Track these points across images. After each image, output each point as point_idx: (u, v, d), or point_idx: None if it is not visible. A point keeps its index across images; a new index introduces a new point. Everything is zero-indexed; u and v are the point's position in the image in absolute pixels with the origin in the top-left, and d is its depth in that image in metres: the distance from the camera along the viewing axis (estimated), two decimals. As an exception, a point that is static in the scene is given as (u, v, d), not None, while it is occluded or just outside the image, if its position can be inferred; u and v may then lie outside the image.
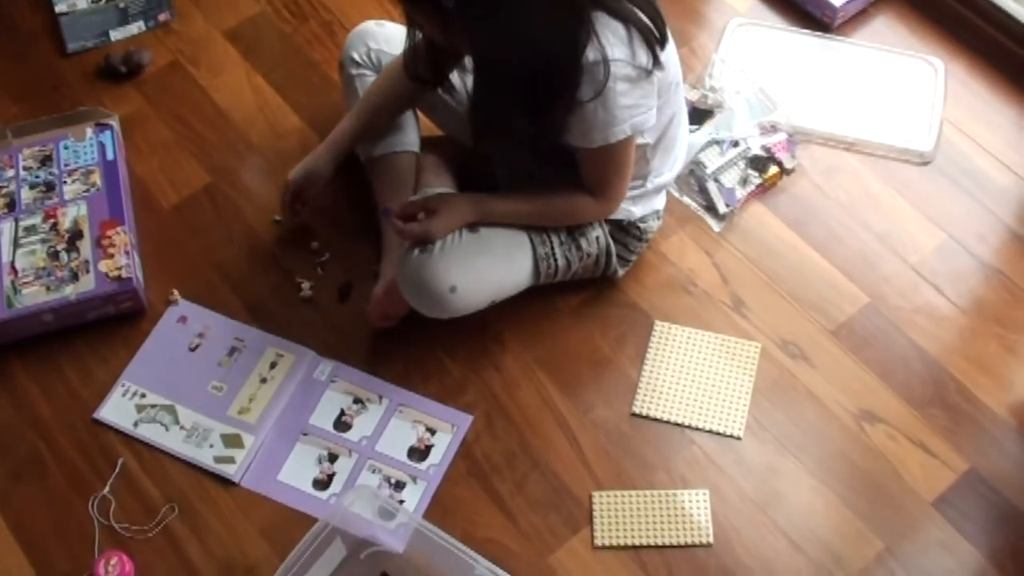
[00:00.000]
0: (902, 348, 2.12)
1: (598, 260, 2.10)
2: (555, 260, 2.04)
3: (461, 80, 2.06)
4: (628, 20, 1.77)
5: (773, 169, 2.31)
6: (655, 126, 1.93)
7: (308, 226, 2.28)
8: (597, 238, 2.07)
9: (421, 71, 2.00)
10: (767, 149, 2.32)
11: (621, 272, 2.16)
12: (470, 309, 2.01)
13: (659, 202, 2.14)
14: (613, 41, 1.76)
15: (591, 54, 1.75)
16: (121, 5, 2.61)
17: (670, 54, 1.89)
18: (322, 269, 2.24)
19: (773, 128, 2.35)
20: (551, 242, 2.04)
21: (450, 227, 1.96)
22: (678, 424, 2.05)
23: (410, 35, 1.95)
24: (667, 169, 2.09)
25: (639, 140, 1.93)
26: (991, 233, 2.26)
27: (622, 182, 1.98)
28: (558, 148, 1.90)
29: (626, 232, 2.12)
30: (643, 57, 1.79)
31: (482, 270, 1.99)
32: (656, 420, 2.05)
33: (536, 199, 2.02)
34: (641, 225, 2.12)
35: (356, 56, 2.21)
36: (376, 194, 2.20)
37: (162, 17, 2.62)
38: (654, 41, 1.80)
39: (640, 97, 1.82)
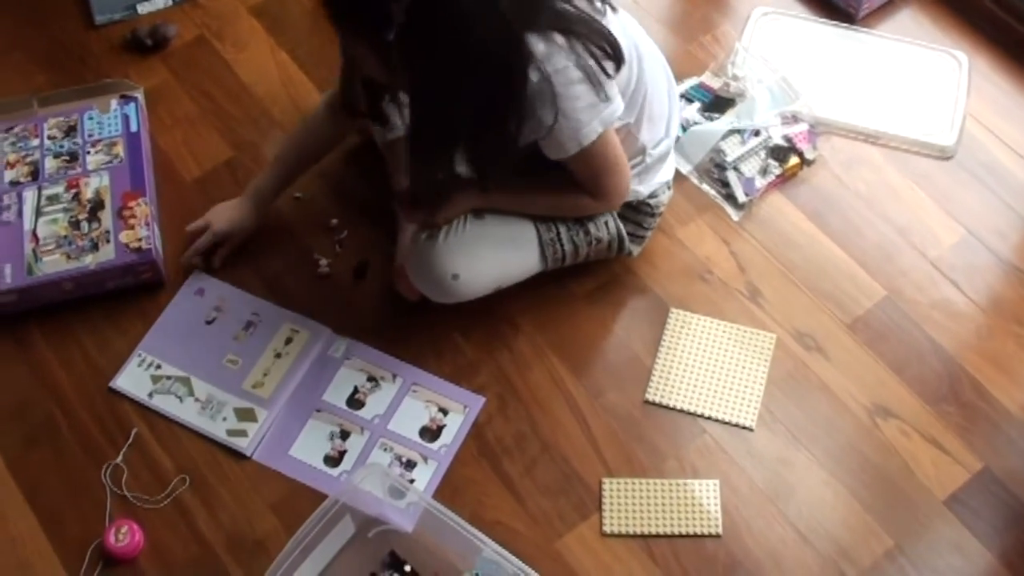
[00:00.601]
0: (918, 343, 2.11)
1: (610, 244, 2.09)
2: (561, 245, 2.04)
3: (398, 112, 2.01)
4: (568, 32, 1.75)
5: (793, 159, 2.30)
6: (630, 105, 1.91)
7: (327, 204, 2.29)
8: (606, 223, 2.06)
9: (357, 103, 1.99)
10: (788, 139, 2.31)
11: (636, 251, 2.15)
12: (475, 295, 2.02)
13: (666, 173, 2.12)
14: (553, 57, 1.73)
15: (534, 75, 1.73)
16: (149, -22, 2.62)
17: (627, 34, 1.87)
18: (340, 246, 2.25)
19: (794, 118, 2.34)
20: (557, 228, 2.03)
21: (454, 213, 1.96)
22: (690, 413, 2.04)
23: (346, 67, 1.95)
24: (662, 135, 2.07)
25: (618, 123, 1.91)
26: (1011, 229, 2.24)
27: (617, 177, 1.96)
28: (532, 158, 1.89)
29: (637, 211, 2.11)
30: (589, 59, 1.77)
31: (485, 258, 2.00)
32: (668, 408, 2.05)
33: (544, 193, 2.01)
34: (651, 201, 2.10)
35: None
36: (392, 176, 2.19)
37: (189, -9, 2.63)
38: (601, 57, 1.78)
39: (597, 93, 1.80)
